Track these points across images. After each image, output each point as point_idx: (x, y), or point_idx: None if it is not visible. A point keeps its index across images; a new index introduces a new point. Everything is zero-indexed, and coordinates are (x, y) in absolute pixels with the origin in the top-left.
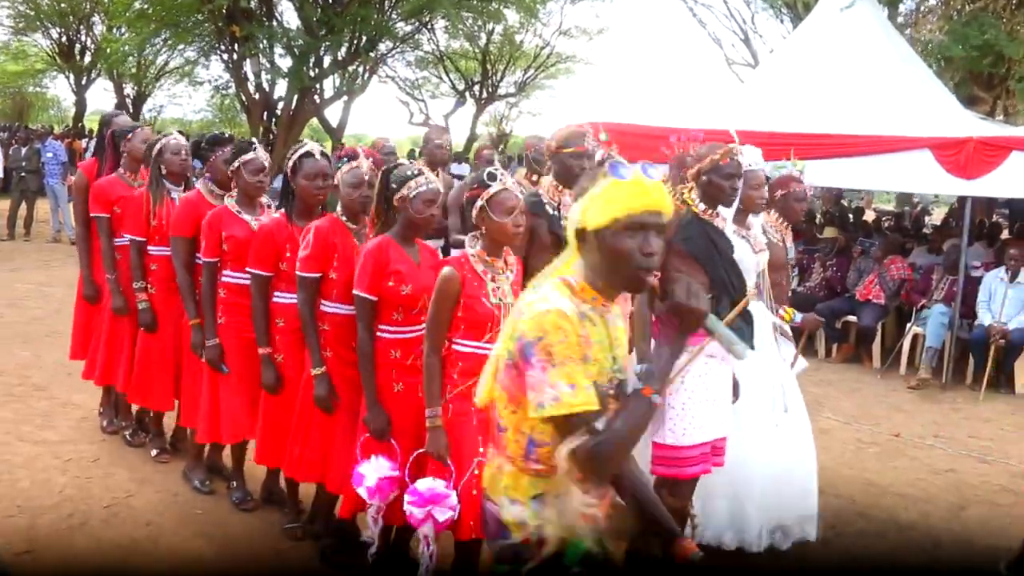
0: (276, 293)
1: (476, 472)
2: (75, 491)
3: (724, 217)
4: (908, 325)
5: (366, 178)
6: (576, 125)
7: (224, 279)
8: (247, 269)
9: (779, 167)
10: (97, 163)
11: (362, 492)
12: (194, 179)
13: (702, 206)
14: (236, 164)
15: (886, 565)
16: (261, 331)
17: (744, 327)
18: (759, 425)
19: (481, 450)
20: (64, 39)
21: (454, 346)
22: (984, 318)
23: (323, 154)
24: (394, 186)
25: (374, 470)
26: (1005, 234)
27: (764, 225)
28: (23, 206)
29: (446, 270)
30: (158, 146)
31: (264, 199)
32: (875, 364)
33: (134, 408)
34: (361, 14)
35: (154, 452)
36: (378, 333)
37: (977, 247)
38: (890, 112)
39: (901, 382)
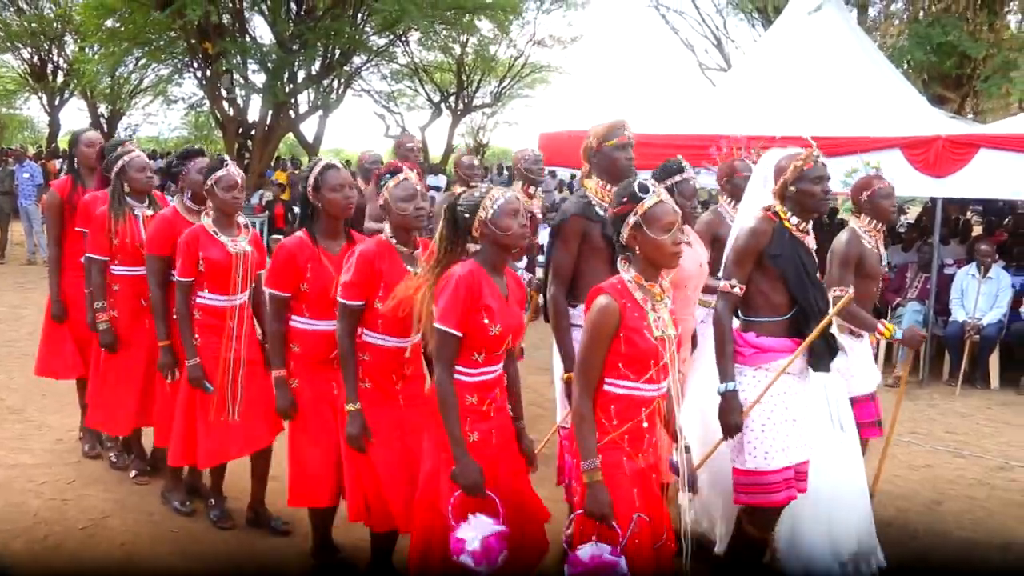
0: (295, 318)
1: (636, 530)
2: (50, 514)
3: (810, 233)
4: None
5: (418, 189)
6: (612, 120)
7: (199, 300)
8: (265, 289)
9: (852, 172)
10: (71, 181)
11: (467, 560)
12: (170, 197)
13: (795, 220)
14: (209, 182)
15: None
16: (277, 353)
17: (822, 347)
18: (818, 445)
19: (638, 504)
20: (36, 59)
21: (606, 387)
22: (958, 314)
23: (346, 164)
24: (467, 215)
25: (475, 530)
26: (978, 231)
27: (858, 230)
28: None
29: (602, 299)
30: (120, 163)
31: (241, 219)
32: None
33: None
34: (334, 28)
35: (133, 474)
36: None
37: (951, 244)
38: (860, 113)
39: None
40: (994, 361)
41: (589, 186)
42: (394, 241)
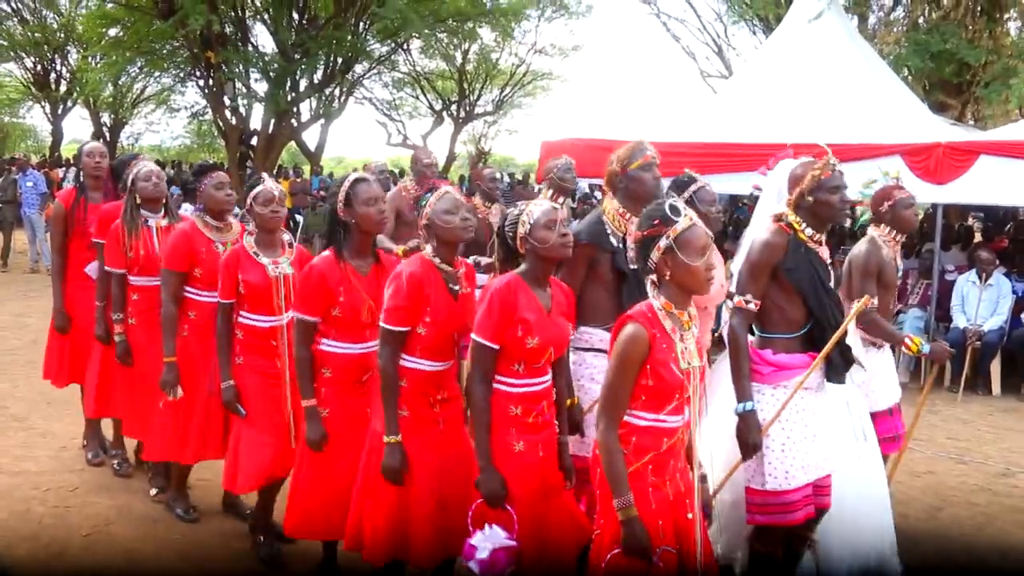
0: (324, 340)
1: (659, 563)
2: (54, 520)
3: (823, 243)
4: None
5: (462, 200)
6: (632, 141)
7: (241, 320)
8: (293, 313)
9: (870, 183)
10: (75, 192)
11: (473, 567)
12: (186, 207)
13: (809, 231)
14: (248, 200)
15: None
16: (306, 382)
17: (838, 358)
18: (841, 458)
19: (663, 537)
20: (39, 68)
21: (627, 418)
22: (959, 321)
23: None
24: (510, 234)
25: (488, 541)
26: (979, 237)
27: (878, 239)
28: (0, 236)
29: (631, 328)
30: (130, 175)
31: (286, 236)
32: None
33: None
34: (336, 36)
35: (153, 492)
36: (495, 386)
37: (952, 251)
38: (861, 120)
39: None
40: (995, 367)
41: (607, 209)
42: (437, 260)
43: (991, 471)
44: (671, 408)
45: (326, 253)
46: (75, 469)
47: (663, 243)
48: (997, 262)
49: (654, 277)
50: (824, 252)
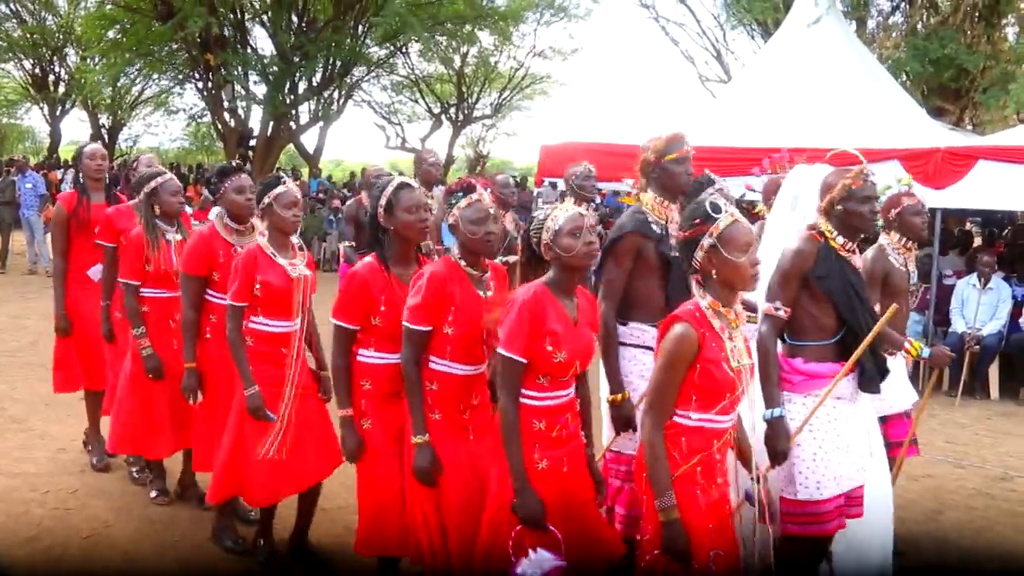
0: (362, 351)
1: (713, 568)
2: (53, 523)
3: (857, 252)
4: None
5: (491, 212)
6: (670, 132)
7: (252, 326)
8: (332, 321)
9: (884, 189)
10: (76, 195)
11: None
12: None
13: (841, 240)
14: (266, 199)
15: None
16: (342, 392)
17: (872, 368)
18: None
19: (714, 540)
20: (37, 70)
21: (676, 419)
22: (958, 325)
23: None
24: (535, 238)
25: (535, 567)
26: (978, 241)
27: (887, 247)
28: None
29: (680, 327)
30: (152, 184)
31: (295, 240)
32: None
33: None
34: (335, 39)
35: (153, 494)
36: (519, 400)
37: (950, 256)
38: (859, 124)
39: None
40: (993, 372)
41: (645, 201)
42: (463, 263)
43: (989, 475)
44: (721, 407)
45: (368, 259)
46: (74, 471)
47: (706, 241)
48: (996, 266)
49: (699, 277)
50: (857, 260)
